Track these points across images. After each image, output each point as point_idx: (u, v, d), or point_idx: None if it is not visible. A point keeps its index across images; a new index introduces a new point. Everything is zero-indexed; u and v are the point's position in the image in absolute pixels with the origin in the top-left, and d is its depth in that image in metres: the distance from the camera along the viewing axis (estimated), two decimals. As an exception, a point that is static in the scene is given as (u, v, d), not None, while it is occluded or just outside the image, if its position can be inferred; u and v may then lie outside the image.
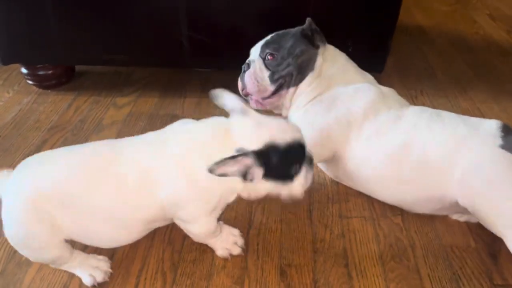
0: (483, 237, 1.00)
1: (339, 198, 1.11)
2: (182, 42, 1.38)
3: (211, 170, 0.75)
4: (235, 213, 1.06)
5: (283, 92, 1.14)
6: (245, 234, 1.01)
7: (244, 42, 1.20)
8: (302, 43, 1.11)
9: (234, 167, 0.77)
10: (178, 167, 0.81)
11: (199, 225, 0.89)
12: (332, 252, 0.96)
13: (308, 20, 1.11)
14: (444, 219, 1.04)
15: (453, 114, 1.02)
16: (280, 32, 1.15)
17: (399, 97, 1.11)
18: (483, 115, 1.44)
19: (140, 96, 1.54)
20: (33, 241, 0.81)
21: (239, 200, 0.90)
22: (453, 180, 0.93)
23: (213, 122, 0.86)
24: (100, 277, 0.90)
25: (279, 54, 1.11)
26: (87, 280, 0.89)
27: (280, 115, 1.20)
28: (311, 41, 1.11)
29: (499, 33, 2.06)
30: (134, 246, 0.97)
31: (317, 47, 1.12)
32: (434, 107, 1.48)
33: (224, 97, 0.86)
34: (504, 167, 0.89)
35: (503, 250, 0.96)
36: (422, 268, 0.93)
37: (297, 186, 0.85)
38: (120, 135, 1.33)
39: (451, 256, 0.96)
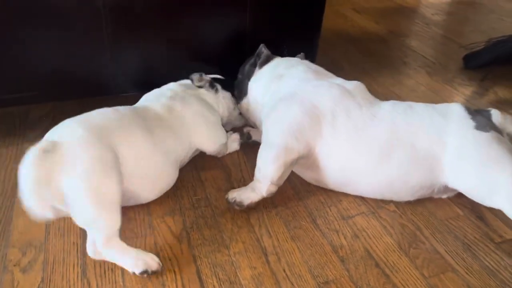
0: (464, 204, 1.09)
1: (332, 201, 1.09)
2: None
3: None
4: (242, 244, 0.95)
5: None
6: (265, 263, 0.91)
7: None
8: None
9: None
10: None
11: None
12: (358, 256, 0.94)
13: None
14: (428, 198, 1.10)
15: (422, 105, 1.09)
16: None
17: (367, 92, 1.14)
18: (399, 98, 1.58)
19: (54, 138, 1.27)
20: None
21: (239, 226, 0.97)
22: (442, 167, 1.00)
23: None
24: (154, 266, 0.87)
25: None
26: (138, 266, 0.86)
27: None
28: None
29: (370, 24, 2.30)
30: None
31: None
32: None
33: None
34: (486, 145, 0.98)
35: (485, 211, 1.06)
36: (438, 247, 0.97)
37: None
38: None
39: (451, 228, 1.02)
